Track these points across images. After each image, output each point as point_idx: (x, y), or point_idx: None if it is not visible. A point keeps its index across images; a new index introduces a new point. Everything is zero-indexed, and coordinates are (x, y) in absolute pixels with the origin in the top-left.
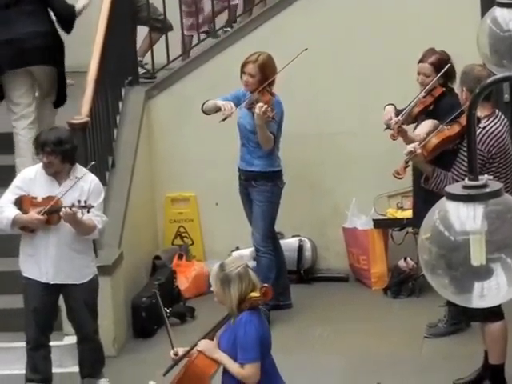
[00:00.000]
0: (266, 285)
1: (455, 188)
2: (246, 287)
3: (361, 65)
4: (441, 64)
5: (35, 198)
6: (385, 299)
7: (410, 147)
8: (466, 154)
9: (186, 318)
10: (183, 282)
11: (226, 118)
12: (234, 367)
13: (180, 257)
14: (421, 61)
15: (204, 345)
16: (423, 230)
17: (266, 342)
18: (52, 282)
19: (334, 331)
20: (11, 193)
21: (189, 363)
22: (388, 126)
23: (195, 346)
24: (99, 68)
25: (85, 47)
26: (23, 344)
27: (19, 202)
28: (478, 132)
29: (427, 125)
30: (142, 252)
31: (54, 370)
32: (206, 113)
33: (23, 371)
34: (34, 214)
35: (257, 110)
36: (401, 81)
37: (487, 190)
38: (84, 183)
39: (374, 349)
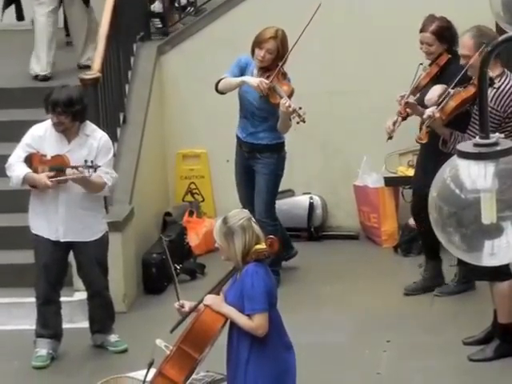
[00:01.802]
0: (271, 236)
1: (466, 146)
2: (250, 239)
3: (374, 23)
4: (442, 31)
5: (44, 156)
6: (395, 257)
7: (429, 111)
8: (477, 115)
9: (196, 274)
10: (194, 239)
11: (262, 97)
12: (242, 319)
13: (191, 213)
14: (422, 30)
15: (210, 299)
16: (434, 187)
17: (273, 294)
18: (62, 240)
19: (344, 289)
20: (21, 150)
21: (196, 318)
22: (389, 136)
23: (202, 301)
24: (111, 23)
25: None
26: (33, 299)
27: (29, 160)
28: (492, 93)
29: (437, 89)
30: (152, 208)
31: (64, 325)
32: (223, 92)
33: (33, 326)
34: (43, 177)
35: (282, 108)
36: (414, 38)
37: (498, 148)
38: (93, 140)
39: (384, 306)
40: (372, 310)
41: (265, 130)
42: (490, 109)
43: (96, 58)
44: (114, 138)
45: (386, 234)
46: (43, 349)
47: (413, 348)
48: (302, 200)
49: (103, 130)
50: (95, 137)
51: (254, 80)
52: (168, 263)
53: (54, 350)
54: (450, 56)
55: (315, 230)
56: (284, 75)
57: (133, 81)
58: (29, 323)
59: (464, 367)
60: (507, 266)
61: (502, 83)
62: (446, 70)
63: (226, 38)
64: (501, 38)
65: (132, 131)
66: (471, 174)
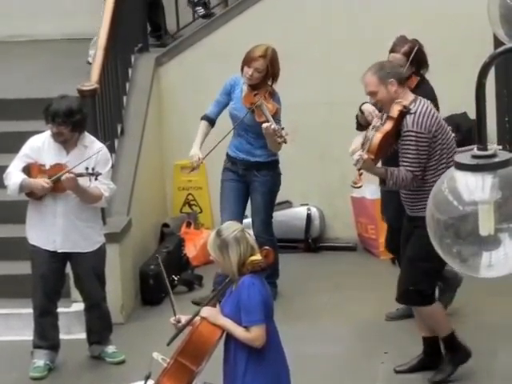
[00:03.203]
0: (266, 247)
1: (464, 158)
2: (245, 250)
3: (374, 33)
4: (414, 53)
5: (43, 166)
6: (393, 269)
7: (357, 155)
8: (405, 144)
9: (193, 285)
10: (191, 250)
11: (193, 169)
12: (239, 331)
13: (188, 225)
14: (392, 50)
15: (207, 312)
16: (431, 198)
17: (269, 305)
18: (59, 251)
19: (342, 300)
20: (19, 160)
21: (193, 331)
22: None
23: (198, 313)
24: (109, 35)
25: (94, 15)
26: (31, 310)
27: (27, 170)
28: (411, 118)
29: (357, 139)
30: (150, 220)
31: (62, 336)
32: None
33: (31, 337)
34: (40, 180)
35: (265, 131)
36: None
37: (496, 159)
38: (91, 152)
39: (382, 317)
40: (370, 321)
41: (261, 147)
42: (414, 134)
43: (94, 69)
44: (111, 149)
45: (383, 246)
46: (41, 360)
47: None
48: (300, 211)
49: (101, 141)
50: (93, 148)
51: (192, 151)
52: (164, 282)
53: (52, 361)
54: (418, 78)
55: (313, 241)
56: (272, 94)
57: (131, 92)
58: (26, 334)
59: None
60: (433, 291)
61: (418, 106)
62: (416, 93)
63: (224, 49)
64: (499, 50)
65: (130, 142)
66: (469, 186)
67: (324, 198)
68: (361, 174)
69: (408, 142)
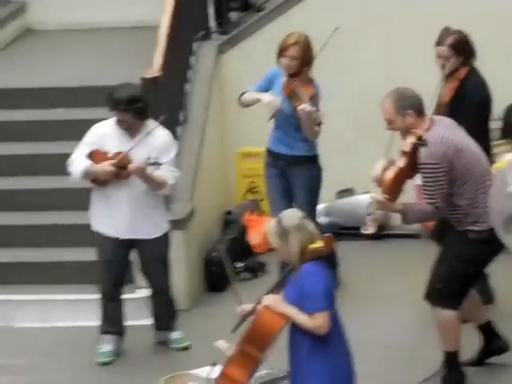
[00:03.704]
0: (327, 234)
1: None
2: (305, 238)
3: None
4: (460, 44)
5: (107, 153)
6: None
7: (370, 199)
8: (423, 177)
9: (257, 272)
10: (254, 237)
11: (273, 116)
12: (303, 319)
13: (251, 212)
14: (438, 43)
15: (270, 299)
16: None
17: (331, 292)
18: (124, 237)
19: (406, 287)
20: (84, 147)
21: (256, 319)
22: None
23: (261, 301)
24: (171, 23)
25: (158, 2)
26: (98, 296)
27: (91, 157)
28: (425, 151)
29: (380, 162)
30: (213, 207)
31: (128, 322)
32: (244, 106)
33: (98, 323)
34: (104, 165)
35: (300, 113)
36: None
37: None
38: (154, 138)
39: None
40: None
41: (303, 140)
42: (430, 167)
43: (156, 57)
44: (174, 136)
45: None
46: (107, 345)
47: (473, 346)
48: (363, 199)
49: (159, 116)
50: (157, 135)
51: (266, 97)
52: (228, 274)
53: (118, 347)
54: (468, 68)
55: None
56: (309, 80)
57: (193, 80)
58: (93, 320)
59: None
60: (453, 291)
61: (431, 135)
62: (467, 84)
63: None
64: None
65: (192, 130)
66: None
67: None
68: (374, 219)
69: (425, 175)
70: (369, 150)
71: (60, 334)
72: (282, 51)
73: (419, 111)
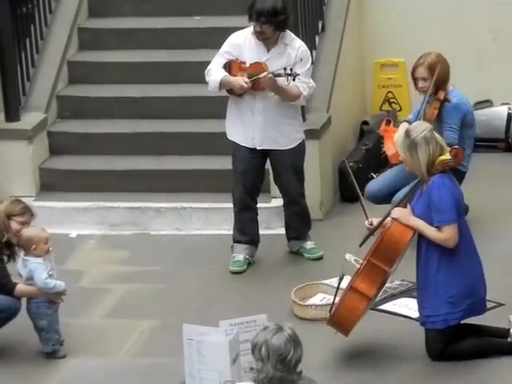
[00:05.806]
0: (456, 146)
1: None
2: (434, 150)
3: None
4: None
5: (243, 63)
6: None
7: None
8: None
9: None
10: (390, 148)
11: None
12: (431, 231)
13: (388, 122)
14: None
15: (398, 212)
16: None
17: (460, 203)
18: (258, 148)
19: None
20: (220, 57)
21: (384, 232)
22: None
23: (389, 215)
24: None
25: None
26: (231, 205)
27: (228, 67)
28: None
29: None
30: (349, 117)
31: (261, 231)
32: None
33: (231, 232)
34: (239, 78)
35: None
36: None
37: None
38: (291, 50)
39: None
40: None
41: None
42: None
43: None
44: (312, 45)
45: None
46: (240, 254)
47: None
48: (500, 110)
49: (301, 39)
50: (294, 46)
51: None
52: (355, 188)
53: (251, 256)
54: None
55: None
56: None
57: None
58: (226, 228)
59: None
60: None
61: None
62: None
63: None
64: None
65: (330, 39)
66: None
67: None
68: None
69: None
70: (506, 61)
71: (193, 241)
72: (412, 75)
73: None
